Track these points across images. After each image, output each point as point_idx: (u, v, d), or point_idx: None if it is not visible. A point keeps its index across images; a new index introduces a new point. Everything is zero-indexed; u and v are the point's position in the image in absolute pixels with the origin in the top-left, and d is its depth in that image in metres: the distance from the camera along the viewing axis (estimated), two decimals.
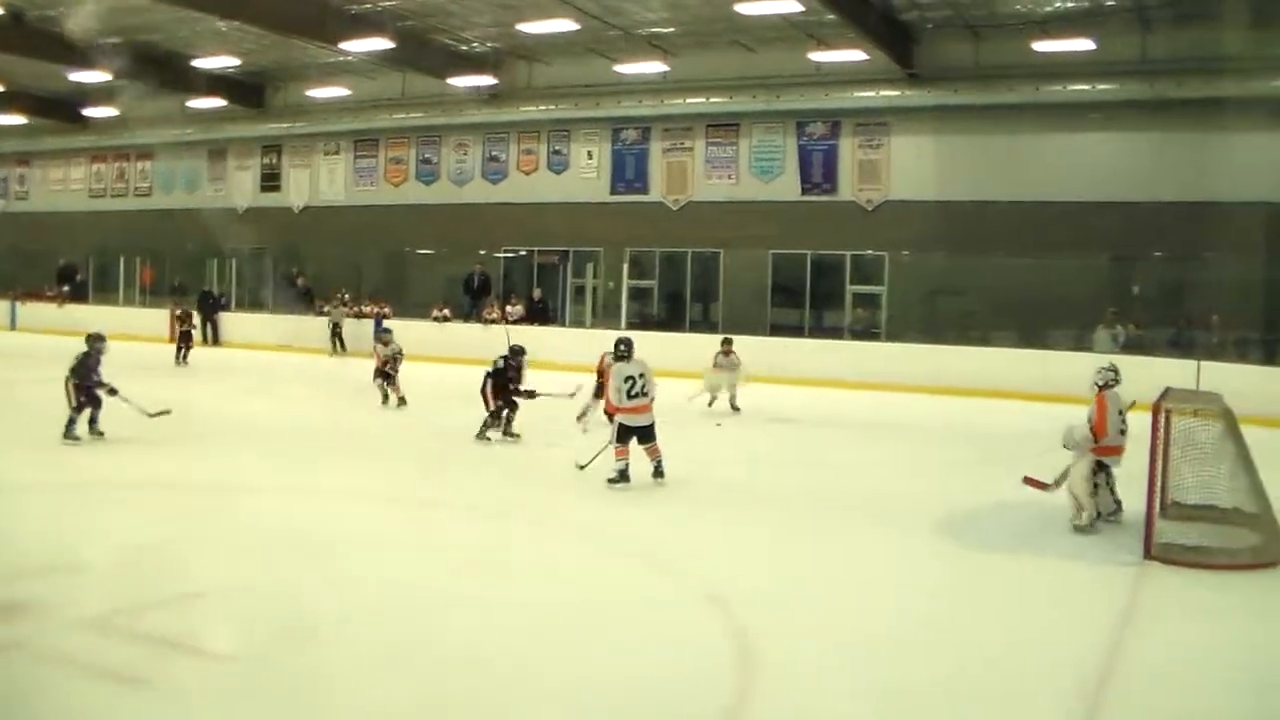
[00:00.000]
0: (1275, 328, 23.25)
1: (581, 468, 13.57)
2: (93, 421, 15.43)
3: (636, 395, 13.02)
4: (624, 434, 13.07)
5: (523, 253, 33.21)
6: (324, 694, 6.75)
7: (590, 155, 32.15)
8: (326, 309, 32.08)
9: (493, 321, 29.89)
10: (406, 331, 28.15)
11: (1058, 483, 11.46)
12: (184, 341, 28.41)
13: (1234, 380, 16.50)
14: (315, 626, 7.89)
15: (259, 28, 28.61)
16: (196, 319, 31.10)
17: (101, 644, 7.24)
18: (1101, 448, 11.17)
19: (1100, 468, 11.24)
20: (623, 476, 13.01)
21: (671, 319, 29.89)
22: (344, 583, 9.01)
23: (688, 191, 30.78)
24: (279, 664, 7.16)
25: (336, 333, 30.92)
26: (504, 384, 16.38)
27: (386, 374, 20.46)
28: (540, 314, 30.32)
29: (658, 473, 13.13)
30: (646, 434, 13.12)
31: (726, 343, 20.66)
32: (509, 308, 30.57)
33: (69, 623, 7.61)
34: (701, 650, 7.67)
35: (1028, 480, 11.72)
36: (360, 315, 31.27)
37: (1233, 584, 9.63)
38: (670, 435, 13.78)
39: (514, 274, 33.38)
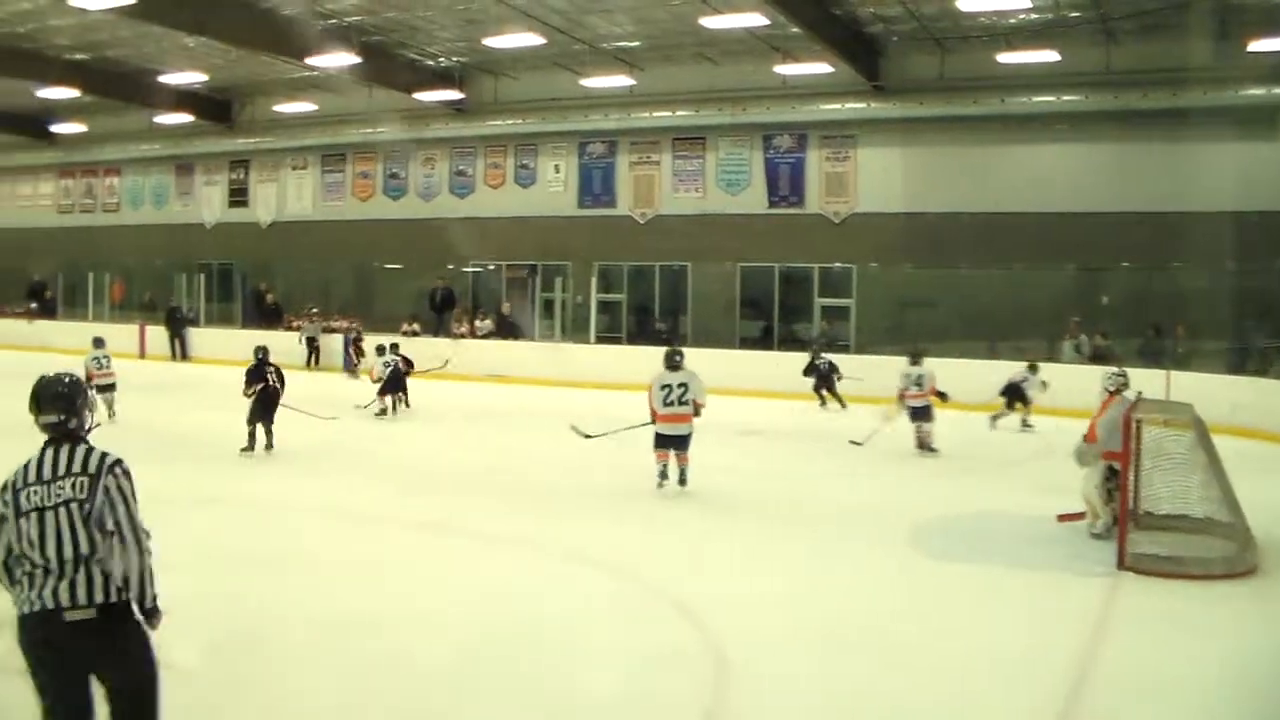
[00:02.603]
0: (1242, 336, 23.29)
1: (587, 436, 14.71)
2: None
3: (673, 404, 13.43)
4: (660, 441, 13.62)
5: (491, 267, 33.15)
6: (286, 704, 6.79)
7: (557, 169, 32.11)
8: (300, 324, 31.94)
9: (461, 336, 29.89)
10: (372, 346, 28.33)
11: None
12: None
13: (1203, 389, 16.60)
14: (275, 639, 7.95)
15: (225, 43, 28.44)
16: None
17: None
18: (1111, 452, 10.96)
19: (1113, 473, 11.04)
20: (662, 476, 13.62)
21: (640, 332, 29.77)
22: (305, 596, 9.05)
23: (655, 205, 30.77)
24: (239, 676, 7.19)
25: (313, 347, 30.82)
26: None
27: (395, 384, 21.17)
28: (510, 328, 30.24)
29: (681, 480, 13.53)
30: (679, 442, 13.53)
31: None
32: (478, 322, 30.54)
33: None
34: (677, 660, 7.67)
35: (1062, 517, 11.67)
36: (329, 330, 31.20)
37: (1207, 594, 9.57)
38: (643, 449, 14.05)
39: (482, 288, 33.30)
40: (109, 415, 18.60)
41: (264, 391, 16.13)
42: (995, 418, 20.42)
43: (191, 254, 37.84)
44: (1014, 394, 20.52)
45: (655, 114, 29.92)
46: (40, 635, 4.87)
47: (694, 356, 23.92)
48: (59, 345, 32.11)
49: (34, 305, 39.32)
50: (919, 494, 14.44)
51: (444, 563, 10.44)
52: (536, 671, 7.44)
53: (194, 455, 16.19)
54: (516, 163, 32.79)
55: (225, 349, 29.97)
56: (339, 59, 27.82)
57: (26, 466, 5.00)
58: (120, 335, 33.67)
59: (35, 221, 43.63)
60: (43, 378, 5.16)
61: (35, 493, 4.90)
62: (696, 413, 13.66)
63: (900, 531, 11.66)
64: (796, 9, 23.16)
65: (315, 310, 32.49)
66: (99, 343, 19.56)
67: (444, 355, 25.86)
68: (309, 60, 28.39)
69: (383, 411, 21.11)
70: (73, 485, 4.92)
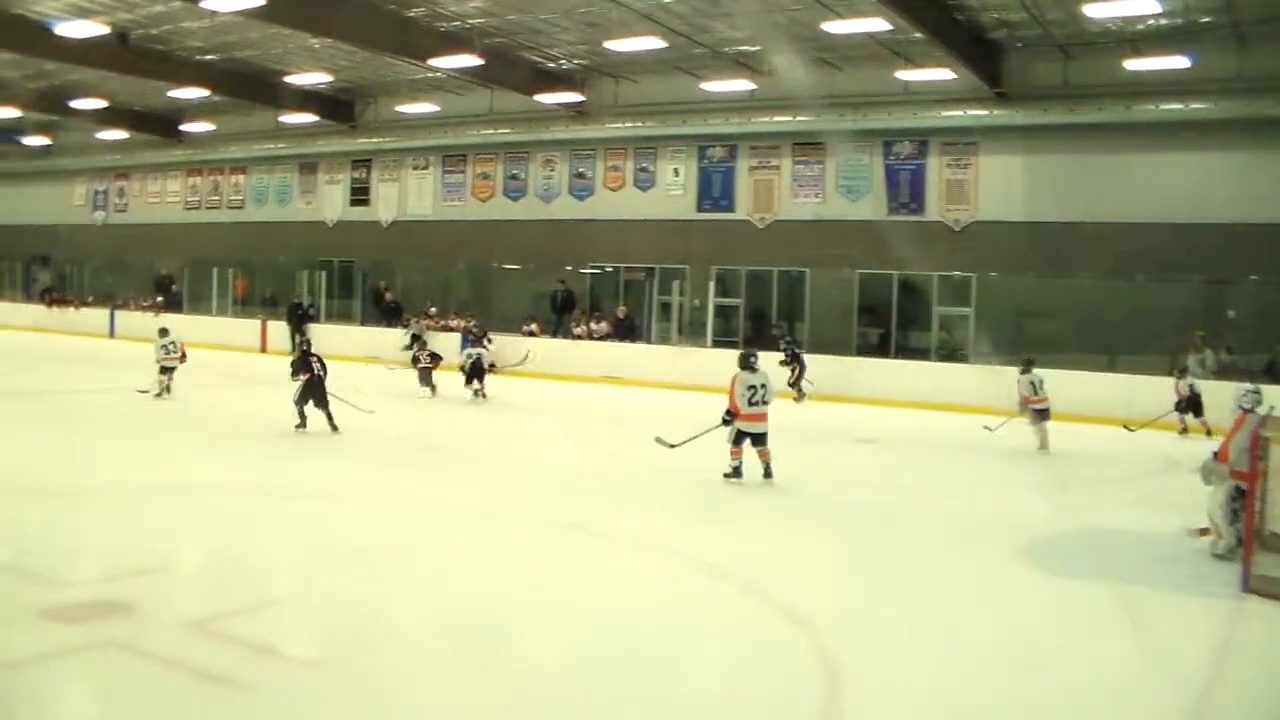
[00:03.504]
0: None
1: (671, 446, 15.12)
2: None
3: (757, 403, 14.34)
4: (740, 437, 14.39)
5: (609, 269, 33.25)
6: (404, 698, 6.88)
7: (677, 173, 32.11)
8: (409, 320, 32.35)
9: (579, 337, 30.04)
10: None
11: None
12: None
13: None
14: (392, 633, 8.09)
15: (349, 45, 28.99)
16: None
17: (195, 645, 7.47)
18: (1240, 472, 10.65)
19: (1240, 494, 10.74)
20: (736, 473, 14.42)
21: (756, 337, 29.48)
22: (418, 592, 9.19)
23: (774, 210, 30.57)
24: (357, 668, 7.30)
25: (416, 343, 31.16)
26: None
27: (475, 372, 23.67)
28: (627, 330, 30.33)
29: (767, 473, 14.34)
30: (761, 438, 14.40)
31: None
32: (593, 324, 30.62)
33: (164, 624, 7.90)
34: (786, 668, 7.62)
35: (1196, 531, 11.45)
36: (447, 329, 31.55)
37: None
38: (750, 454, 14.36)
39: (600, 290, 33.44)
40: (166, 391, 21.86)
41: (311, 379, 17.78)
42: (1184, 432, 20.56)
43: (313, 251, 38.51)
44: (1194, 406, 20.66)
45: (775, 119, 29.83)
46: None
47: (811, 363, 24.17)
48: (185, 340, 32.76)
49: (160, 299, 40.27)
50: (1036, 506, 14.20)
51: (549, 561, 10.53)
52: (643, 675, 7.44)
53: (306, 448, 16.71)
54: (636, 166, 32.84)
55: (344, 345, 30.33)
56: (460, 61, 28.21)
57: None
58: (242, 330, 34.52)
59: (163, 218, 44.79)
60: None
61: None
62: None
63: (1016, 544, 11.47)
64: (919, 14, 22.96)
65: (434, 309, 32.88)
66: (164, 332, 22.73)
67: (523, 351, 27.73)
68: (431, 62, 28.86)
69: (476, 394, 23.60)
70: None
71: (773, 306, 30.46)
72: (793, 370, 24.82)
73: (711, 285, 29.29)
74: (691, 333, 29.82)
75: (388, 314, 34.33)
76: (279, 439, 17.27)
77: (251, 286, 39.90)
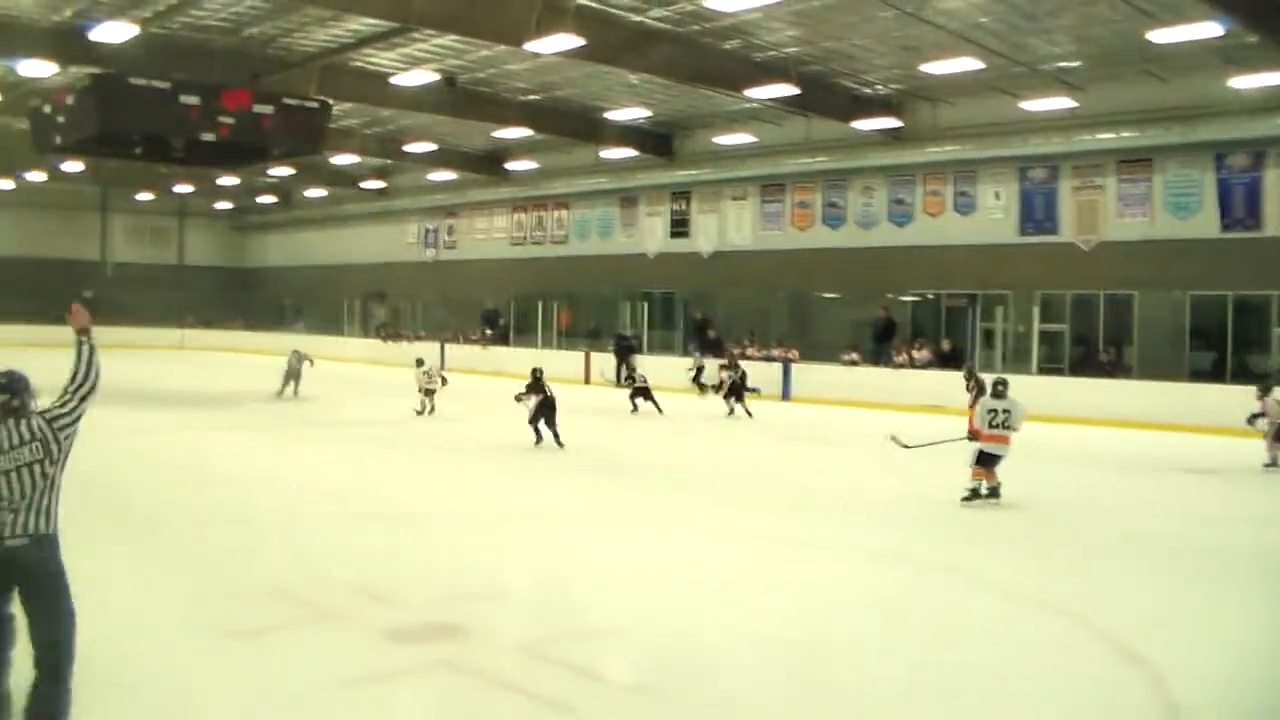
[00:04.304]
0: None
1: (905, 447, 16.92)
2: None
3: (997, 426, 14.72)
4: (983, 459, 14.83)
5: (930, 296, 32.76)
6: None
7: (997, 196, 31.32)
8: (694, 353, 32.73)
9: (901, 366, 29.70)
10: (811, 375, 28.73)
11: None
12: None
13: None
14: (719, 664, 8.09)
15: (667, 79, 29.38)
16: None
17: (526, 668, 7.78)
18: None
19: None
20: (975, 494, 14.80)
21: (1083, 364, 28.63)
22: (742, 622, 9.23)
23: (1099, 231, 29.36)
24: (685, 699, 7.38)
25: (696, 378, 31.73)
26: None
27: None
28: (952, 359, 29.68)
29: (996, 493, 14.73)
30: (997, 461, 14.79)
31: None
32: (914, 352, 30.23)
33: (496, 646, 8.28)
34: (1122, 708, 7.36)
35: None
36: (769, 359, 31.78)
37: None
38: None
39: (921, 317, 32.97)
40: (429, 411, 25.32)
41: (544, 401, 20.10)
42: None
43: (635, 283, 39.33)
44: None
45: (1098, 136, 28.68)
46: None
47: (1140, 389, 23.29)
48: (510, 370, 33.77)
49: (488, 331, 41.72)
50: None
51: (870, 592, 10.52)
52: (979, 710, 7.35)
53: (602, 474, 17.74)
54: (955, 190, 32.18)
55: (666, 376, 30.64)
56: (776, 90, 28.39)
57: None
58: (567, 362, 35.27)
59: (490, 253, 46.69)
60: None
61: None
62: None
63: None
64: (1255, 15, 21.68)
65: (755, 338, 33.13)
66: (420, 362, 26.46)
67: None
68: (747, 92, 29.11)
69: (730, 412, 26.83)
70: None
71: (1099, 331, 29.31)
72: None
73: (1036, 311, 28.54)
74: (1016, 360, 29.06)
75: (709, 347, 34.43)
76: (582, 466, 18.19)
77: (575, 318, 40.91)
